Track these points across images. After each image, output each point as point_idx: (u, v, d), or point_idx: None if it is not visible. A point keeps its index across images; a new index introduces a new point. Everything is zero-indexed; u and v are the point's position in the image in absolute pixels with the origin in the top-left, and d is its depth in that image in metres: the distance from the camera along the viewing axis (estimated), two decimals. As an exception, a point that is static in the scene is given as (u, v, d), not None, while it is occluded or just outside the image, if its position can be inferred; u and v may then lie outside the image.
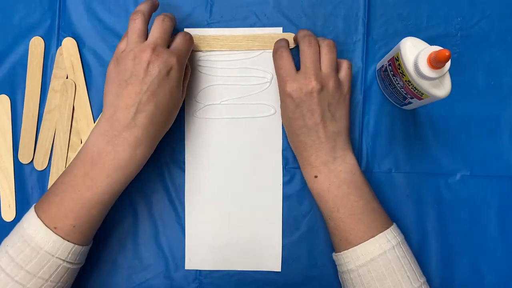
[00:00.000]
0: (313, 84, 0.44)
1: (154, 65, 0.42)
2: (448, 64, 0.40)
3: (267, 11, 0.53)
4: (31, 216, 0.42)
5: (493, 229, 0.51)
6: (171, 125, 0.47)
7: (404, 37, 0.43)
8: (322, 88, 0.44)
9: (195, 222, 0.52)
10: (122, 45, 0.44)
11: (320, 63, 0.45)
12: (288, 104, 0.45)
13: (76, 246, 0.42)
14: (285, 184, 0.52)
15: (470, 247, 0.51)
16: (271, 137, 0.52)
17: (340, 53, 0.52)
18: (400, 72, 0.45)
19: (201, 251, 0.52)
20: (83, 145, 0.43)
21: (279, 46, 0.48)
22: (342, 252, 0.44)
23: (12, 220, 0.52)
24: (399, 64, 0.44)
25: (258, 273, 0.51)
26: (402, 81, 0.45)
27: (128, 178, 0.44)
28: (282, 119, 0.49)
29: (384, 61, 0.48)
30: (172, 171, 0.52)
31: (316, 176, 0.46)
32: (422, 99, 0.45)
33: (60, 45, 0.53)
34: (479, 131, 0.52)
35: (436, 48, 0.40)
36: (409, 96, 0.46)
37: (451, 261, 0.51)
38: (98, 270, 0.51)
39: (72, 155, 0.52)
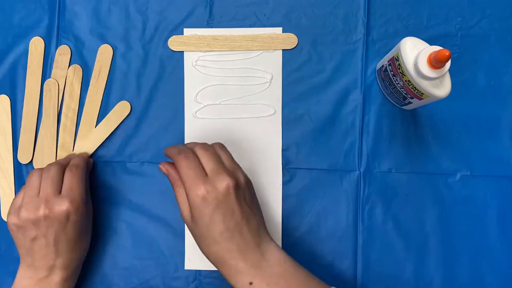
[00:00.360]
0: (227, 180, 0.40)
1: (48, 218, 0.43)
2: (448, 64, 0.40)
3: (267, 11, 0.53)
4: None
5: (493, 229, 0.51)
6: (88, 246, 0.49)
7: (404, 37, 0.43)
8: (236, 183, 0.40)
9: (195, 222, 0.52)
10: (18, 199, 0.45)
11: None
12: (203, 210, 0.40)
13: None
14: (285, 184, 0.52)
15: (470, 247, 0.51)
16: (271, 137, 0.52)
17: (340, 53, 0.52)
18: (400, 72, 0.44)
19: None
20: None
21: (177, 152, 0.42)
22: None
23: (12, 220, 0.52)
24: (399, 64, 0.44)
25: (258, 273, 0.51)
26: (402, 81, 0.45)
27: None
28: (194, 232, 0.42)
29: (384, 61, 0.48)
30: (172, 171, 0.52)
31: (251, 283, 0.40)
32: (422, 99, 0.45)
33: (60, 45, 0.53)
34: (479, 131, 0.52)
35: (436, 48, 0.40)
36: (409, 96, 0.46)
37: (451, 261, 0.51)
38: (98, 271, 0.51)
39: (62, 154, 0.52)
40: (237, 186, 0.41)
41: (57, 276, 0.45)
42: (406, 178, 0.52)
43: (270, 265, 0.41)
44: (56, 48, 0.53)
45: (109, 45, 0.53)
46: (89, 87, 0.53)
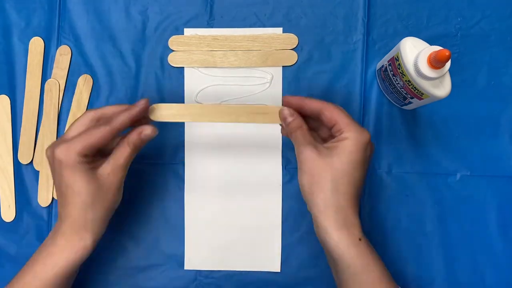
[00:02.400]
0: (367, 132, 0.41)
1: (49, 160, 0.42)
2: (448, 64, 0.40)
3: (267, 11, 0.53)
4: None
5: (493, 229, 0.51)
6: (106, 211, 0.43)
7: (404, 37, 0.43)
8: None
9: (195, 222, 0.52)
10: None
11: None
12: (368, 152, 0.41)
13: None
14: (285, 184, 0.52)
15: (470, 247, 0.51)
16: (271, 137, 0.52)
17: (340, 53, 0.52)
18: (400, 72, 0.45)
19: (201, 251, 0.52)
20: None
21: (324, 101, 0.42)
22: None
23: (12, 220, 0.52)
24: (399, 64, 0.44)
25: (258, 273, 0.51)
26: (402, 81, 0.45)
27: (62, 268, 0.42)
28: (349, 173, 0.40)
29: (384, 61, 0.48)
30: (172, 171, 0.52)
31: (360, 239, 0.40)
32: (422, 99, 0.45)
33: (60, 45, 0.53)
34: (479, 131, 0.52)
35: (436, 48, 0.40)
36: (409, 96, 0.46)
37: (451, 261, 0.51)
38: (97, 271, 0.51)
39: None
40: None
41: (59, 227, 0.42)
42: (406, 178, 0.52)
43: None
44: (56, 48, 0.53)
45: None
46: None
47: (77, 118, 0.43)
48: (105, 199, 0.42)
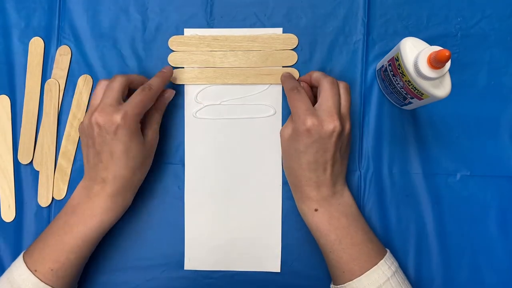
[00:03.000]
0: (335, 124, 0.43)
1: (99, 127, 0.43)
2: (448, 64, 0.40)
3: (267, 12, 0.53)
4: (18, 259, 0.45)
5: (493, 229, 0.51)
6: (145, 172, 0.48)
7: (404, 37, 0.43)
8: (341, 130, 0.44)
9: (195, 222, 0.52)
10: (94, 102, 0.46)
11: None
12: (303, 138, 0.43)
13: None
14: (285, 184, 0.52)
15: (470, 247, 0.51)
16: (271, 138, 0.52)
17: (340, 53, 0.52)
18: (400, 72, 0.45)
19: (201, 251, 0.51)
20: (71, 196, 0.47)
21: (294, 85, 0.47)
22: (346, 284, 0.44)
23: (12, 220, 0.52)
24: (399, 64, 0.44)
25: (258, 273, 0.51)
26: (402, 81, 0.45)
27: (104, 226, 0.46)
28: (286, 152, 0.47)
29: (384, 61, 0.48)
30: (172, 171, 0.52)
31: (316, 210, 0.46)
32: (422, 99, 0.45)
33: (60, 45, 0.53)
34: (479, 131, 0.52)
35: (436, 48, 0.40)
36: (409, 96, 0.46)
37: (451, 261, 0.51)
38: (97, 271, 0.51)
39: (62, 162, 0.52)
40: (341, 133, 0.44)
41: (102, 190, 0.45)
42: (406, 178, 0.52)
43: (338, 203, 0.46)
44: (56, 48, 0.53)
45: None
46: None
47: (109, 84, 0.45)
48: (148, 163, 0.48)
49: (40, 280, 0.43)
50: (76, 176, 0.52)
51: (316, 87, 0.47)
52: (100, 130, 0.43)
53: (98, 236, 0.46)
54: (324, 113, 0.43)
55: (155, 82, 0.47)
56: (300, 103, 0.44)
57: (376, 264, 0.44)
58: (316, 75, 0.47)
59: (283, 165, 0.50)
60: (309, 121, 0.43)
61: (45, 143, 0.52)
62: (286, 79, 0.49)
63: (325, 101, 0.44)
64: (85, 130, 0.45)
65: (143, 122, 0.47)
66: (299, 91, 0.46)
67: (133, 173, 0.46)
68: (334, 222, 0.45)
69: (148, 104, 0.46)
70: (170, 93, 0.50)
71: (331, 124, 0.43)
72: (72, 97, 0.53)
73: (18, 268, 0.44)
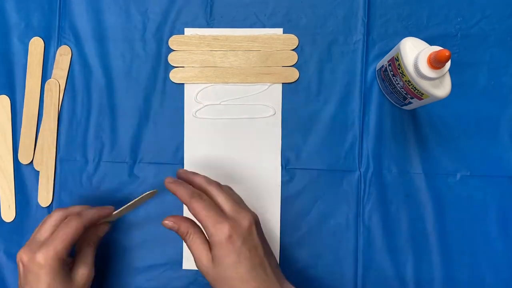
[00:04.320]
0: (249, 217, 0.40)
1: (23, 265, 0.41)
2: (448, 64, 0.40)
3: (267, 12, 0.53)
4: None
5: (493, 229, 0.51)
6: None
7: (404, 37, 0.43)
8: (255, 219, 0.41)
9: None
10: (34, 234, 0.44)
11: None
12: (230, 248, 0.39)
13: None
14: (285, 184, 0.52)
15: (470, 247, 0.51)
16: (271, 138, 0.52)
17: (340, 53, 0.52)
18: (400, 72, 0.45)
19: (201, 251, 0.51)
20: None
21: (192, 191, 0.41)
22: None
23: (12, 220, 0.52)
24: (399, 64, 0.44)
25: (258, 273, 0.51)
26: (402, 81, 0.45)
27: None
28: (216, 277, 0.39)
29: (384, 61, 0.48)
30: (171, 171, 0.52)
31: None
32: (422, 99, 0.45)
33: (60, 45, 0.53)
34: (479, 131, 0.52)
35: (436, 48, 0.40)
36: (409, 96, 0.46)
37: (451, 261, 0.51)
38: (97, 271, 0.51)
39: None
40: (257, 223, 0.41)
41: None
42: (406, 178, 0.52)
43: None
44: (56, 48, 0.53)
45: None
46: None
47: (45, 219, 0.44)
48: None
49: None
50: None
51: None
52: (24, 269, 0.41)
53: None
54: (233, 213, 0.40)
55: (87, 211, 0.44)
56: (209, 212, 0.40)
57: None
58: (199, 180, 0.44)
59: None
60: (227, 227, 0.39)
61: (45, 143, 0.52)
62: (177, 186, 0.42)
63: (226, 203, 0.41)
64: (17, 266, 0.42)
65: (76, 255, 0.45)
66: (201, 197, 0.41)
67: None
68: None
69: (75, 235, 0.42)
70: (104, 227, 0.47)
71: (246, 219, 0.40)
72: (72, 97, 0.53)
73: None
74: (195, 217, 0.41)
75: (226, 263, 0.39)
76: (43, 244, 0.41)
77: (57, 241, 0.41)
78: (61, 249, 0.41)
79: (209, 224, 0.39)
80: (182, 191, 0.42)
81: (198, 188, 0.43)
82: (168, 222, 0.42)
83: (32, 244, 0.41)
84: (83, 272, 0.44)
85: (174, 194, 0.43)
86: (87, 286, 0.44)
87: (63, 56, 0.53)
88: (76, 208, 0.45)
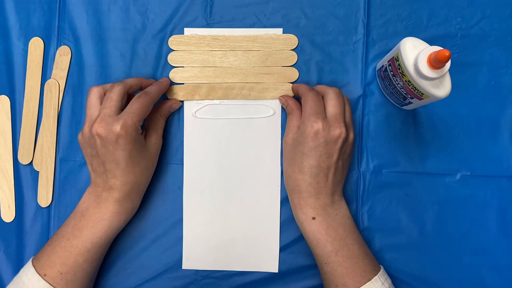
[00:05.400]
0: (342, 130, 0.44)
1: (101, 137, 0.43)
2: (448, 64, 0.40)
3: (267, 12, 0.53)
4: (27, 264, 0.45)
5: (493, 229, 0.51)
6: (151, 174, 0.49)
7: (404, 37, 0.43)
8: (346, 137, 0.45)
9: (193, 222, 0.52)
10: (91, 112, 0.46)
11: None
12: (309, 141, 0.44)
13: None
14: (284, 184, 0.52)
15: (470, 247, 0.51)
16: (270, 138, 0.52)
17: (340, 53, 0.52)
18: (400, 72, 0.45)
19: (199, 251, 0.51)
20: (79, 201, 0.47)
21: (308, 89, 0.47)
22: None
23: (12, 221, 0.52)
24: (399, 64, 0.44)
25: (256, 273, 0.51)
26: (402, 81, 0.45)
27: (113, 229, 0.47)
28: (288, 157, 0.48)
29: (384, 61, 0.48)
30: (170, 170, 0.52)
31: (314, 218, 0.45)
32: (422, 99, 0.45)
33: (60, 45, 0.53)
34: (479, 131, 0.52)
35: (436, 48, 0.40)
36: (409, 96, 0.46)
37: (451, 261, 0.51)
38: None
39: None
40: (346, 140, 0.45)
41: (110, 196, 0.45)
42: (406, 178, 0.52)
43: (336, 213, 0.46)
44: (56, 48, 0.53)
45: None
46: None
47: (107, 95, 0.45)
48: (153, 165, 0.49)
49: (50, 284, 0.43)
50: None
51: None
52: (102, 141, 0.43)
53: (107, 239, 0.46)
54: (332, 119, 0.44)
55: (151, 88, 0.47)
56: (315, 104, 0.45)
57: (370, 280, 0.43)
58: (320, 86, 0.49)
59: (283, 173, 0.50)
60: (319, 124, 0.44)
61: (45, 143, 0.52)
62: (299, 84, 0.50)
63: (333, 108, 0.45)
64: (86, 140, 0.45)
65: (147, 126, 0.49)
66: (317, 93, 0.46)
67: (139, 178, 0.47)
68: (331, 232, 0.45)
69: (146, 110, 0.46)
70: (176, 104, 0.51)
71: (338, 130, 0.44)
72: (72, 97, 0.53)
73: (27, 273, 0.44)
74: (303, 104, 0.46)
75: (299, 149, 0.45)
76: (119, 117, 0.43)
77: (133, 114, 0.44)
78: (137, 121, 0.44)
79: (308, 113, 0.45)
80: (303, 86, 0.48)
81: (320, 90, 0.48)
82: (281, 98, 0.51)
83: (105, 118, 0.44)
84: (155, 141, 0.49)
85: (295, 88, 0.50)
86: (157, 154, 0.50)
87: (63, 56, 0.53)
88: (131, 82, 0.48)
